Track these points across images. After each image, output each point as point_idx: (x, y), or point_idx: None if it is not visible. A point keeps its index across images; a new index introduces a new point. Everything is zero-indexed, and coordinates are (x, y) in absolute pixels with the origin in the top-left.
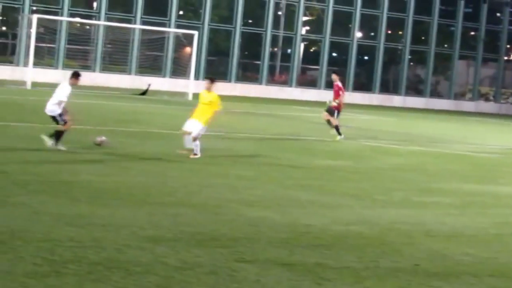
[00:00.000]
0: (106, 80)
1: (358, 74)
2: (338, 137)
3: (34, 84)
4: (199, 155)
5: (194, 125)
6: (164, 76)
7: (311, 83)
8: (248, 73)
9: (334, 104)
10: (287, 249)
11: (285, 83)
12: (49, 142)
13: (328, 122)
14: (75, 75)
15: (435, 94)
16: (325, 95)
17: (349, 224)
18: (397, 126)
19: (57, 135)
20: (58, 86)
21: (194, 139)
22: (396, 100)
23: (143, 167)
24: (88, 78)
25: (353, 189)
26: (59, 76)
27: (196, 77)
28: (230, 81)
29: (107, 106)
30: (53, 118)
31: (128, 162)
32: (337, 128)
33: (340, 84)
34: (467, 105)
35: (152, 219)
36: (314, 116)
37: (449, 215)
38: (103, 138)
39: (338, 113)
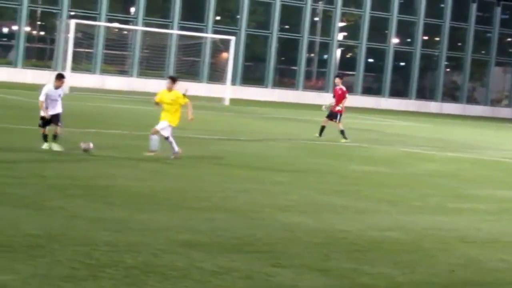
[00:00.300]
0: (143, 85)
1: (395, 80)
2: (343, 140)
3: (72, 89)
4: (177, 150)
5: (163, 126)
6: (201, 81)
7: (348, 89)
8: (285, 79)
9: (339, 108)
10: (323, 254)
11: (322, 88)
12: (58, 147)
13: (322, 128)
14: (58, 77)
15: (471, 100)
16: (362, 101)
17: (384, 230)
18: (433, 132)
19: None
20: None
21: (167, 138)
22: (433, 106)
23: (179, 172)
24: (125, 83)
25: (388, 195)
26: (97, 81)
27: (233, 83)
28: (266, 87)
29: (144, 111)
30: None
31: (164, 167)
32: (342, 132)
33: (344, 88)
34: (504, 112)
35: (188, 224)
36: (350, 122)
37: (484, 221)
38: (91, 145)
39: (341, 116)
